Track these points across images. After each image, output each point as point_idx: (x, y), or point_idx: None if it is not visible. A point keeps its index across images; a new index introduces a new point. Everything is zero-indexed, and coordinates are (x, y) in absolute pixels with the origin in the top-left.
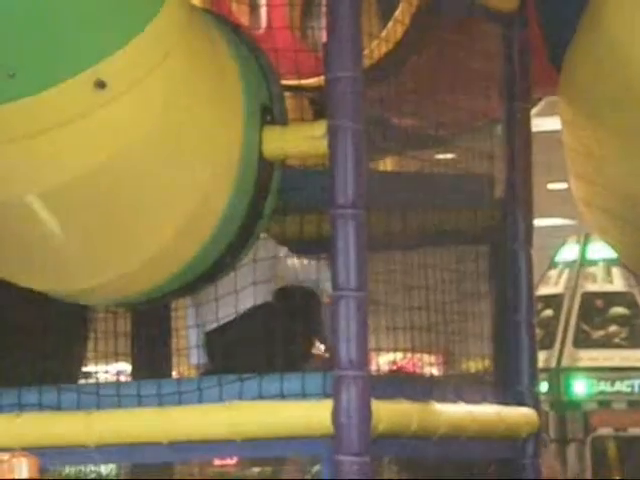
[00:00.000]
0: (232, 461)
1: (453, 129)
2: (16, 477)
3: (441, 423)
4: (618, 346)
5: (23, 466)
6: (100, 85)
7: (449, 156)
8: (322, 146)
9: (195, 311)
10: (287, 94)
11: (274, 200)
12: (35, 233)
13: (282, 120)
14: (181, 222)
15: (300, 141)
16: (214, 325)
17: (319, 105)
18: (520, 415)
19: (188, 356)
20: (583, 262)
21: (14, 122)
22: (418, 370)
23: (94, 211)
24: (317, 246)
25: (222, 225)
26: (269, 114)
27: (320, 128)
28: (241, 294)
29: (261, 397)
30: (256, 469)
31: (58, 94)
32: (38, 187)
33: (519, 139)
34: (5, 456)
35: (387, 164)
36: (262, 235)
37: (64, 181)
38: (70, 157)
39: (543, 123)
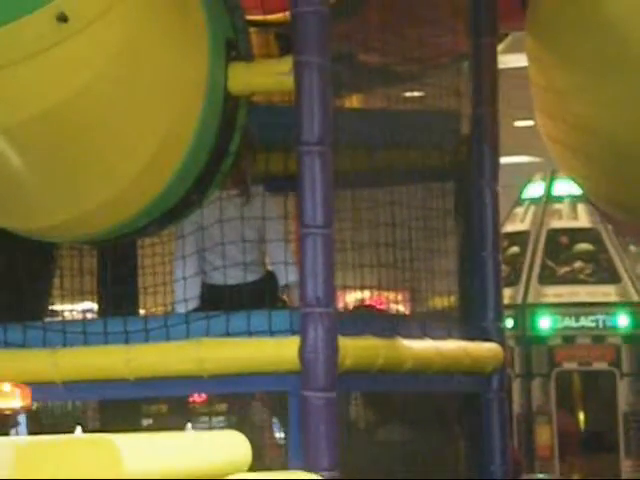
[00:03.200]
0: (200, 398)
1: (419, 65)
2: (9, 405)
3: (407, 358)
4: (583, 282)
5: (17, 395)
6: (62, 19)
7: (416, 94)
8: (288, 82)
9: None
10: (252, 29)
11: (240, 137)
12: None
13: (247, 56)
14: (145, 158)
15: (266, 77)
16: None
17: (285, 41)
18: (485, 350)
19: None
20: (549, 199)
21: None
22: (385, 307)
23: (57, 148)
24: (283, 183)
25: (187, 161)
26: (234, 49)
27: (286, 64)
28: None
29: (228, 334)
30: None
31: (20, 28)
32: (1, 123)
33: (485, 74)
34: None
35: (353, 101)
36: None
37: (25, 118)
38: (31, 93)
39: (509, 60)
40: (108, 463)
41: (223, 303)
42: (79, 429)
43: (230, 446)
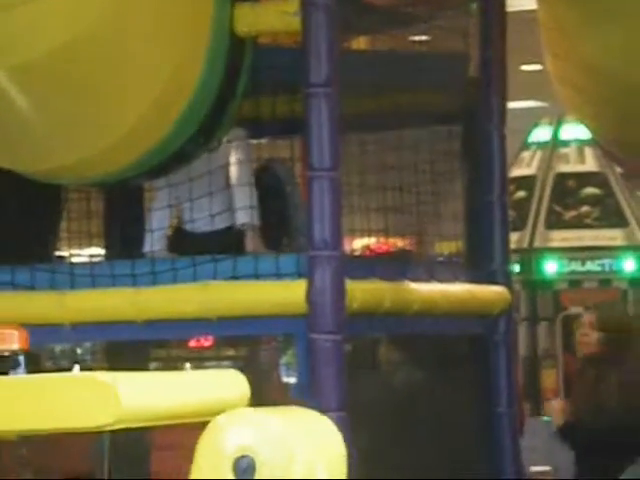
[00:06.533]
0: (207, 342)
1: (427, 6)
2: (8, 348)
3: (414, 301)
4: (590, 226)
5: (15, 337)
6: None
7: (423, 36)
8: (295, 23)
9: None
10: None
11: (247, 78)
12: (4, 111)
13: None
14: (152, 100)
15: (272, 17)
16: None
17: None
18: (492, 292)
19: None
20: (556, 143)
21: None
22: (392, 250)
23: (63, 89)
24: (290, 126)
25: (194, 103)
26: None
27: (293, 4)
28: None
29: (235, 277)
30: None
31: None
32: (6, 63)
33: (493, 16)
34: None
35: (361, 43)
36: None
37: (31, 58)
38: (36, 34)
39: (518, 2)
40: (105, 400)
41: (192, 250)
42: (77, 367)
43: (227, 384)
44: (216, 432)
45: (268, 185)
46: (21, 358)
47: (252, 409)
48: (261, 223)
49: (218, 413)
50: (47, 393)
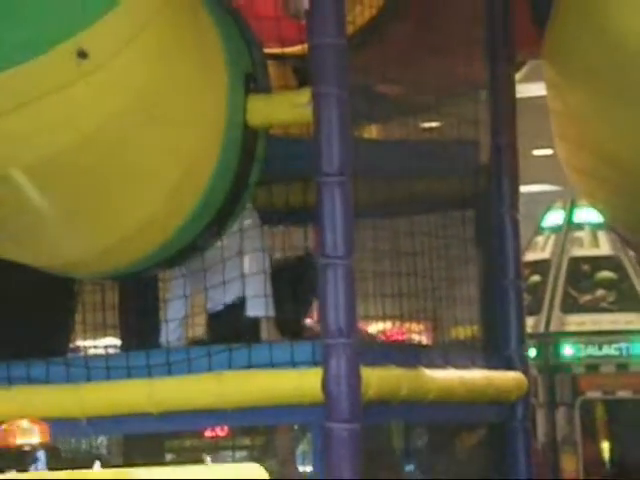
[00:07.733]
0: (223, 432)
1: (438, 95)
2: (28, 442)
3: (431, 388)
4: (605, 310)
5: (35, 431)
6: (82, 55)
7: (434, 124)
8: (307, 114)
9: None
10: (270, 62)
11: (260, 169)
12: (20, 207)
13: (266, 88)
14: (166, 192)
15: (285, 109)
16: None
17: (302, 73)
18: (509, 379)
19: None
20: (569, 227)
21: None
22: (407, 337)
23: (79, 184)
24: (303, 214)
25: (208, 194)
26: (252, 82)
27: (304, 96)
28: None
29: (250, 366)
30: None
31: (42, 64)
32: (22, 160)
33: (503, 101)
34: (19, 421)
35: (372, 132)
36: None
37: (48, 154)
38: (55, 129)
39: (528, 89)
40: None
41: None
42: (98, 464)
43: (247, 478)
44: None
45: (306, 275)
46: (41, 453)
47: None
48: (292, 311)
49: None
50: None
